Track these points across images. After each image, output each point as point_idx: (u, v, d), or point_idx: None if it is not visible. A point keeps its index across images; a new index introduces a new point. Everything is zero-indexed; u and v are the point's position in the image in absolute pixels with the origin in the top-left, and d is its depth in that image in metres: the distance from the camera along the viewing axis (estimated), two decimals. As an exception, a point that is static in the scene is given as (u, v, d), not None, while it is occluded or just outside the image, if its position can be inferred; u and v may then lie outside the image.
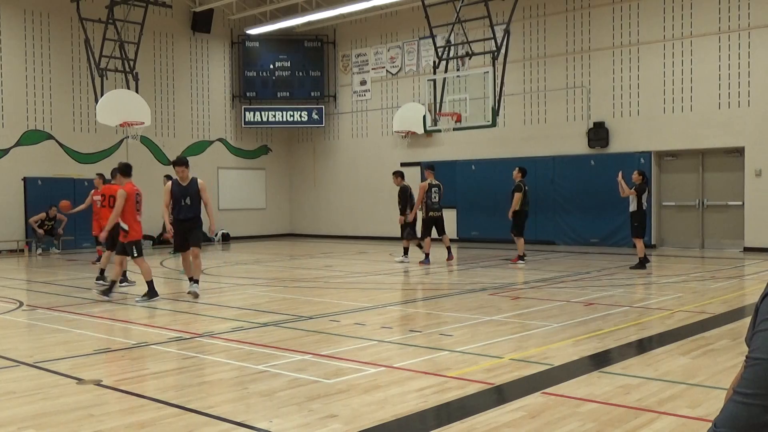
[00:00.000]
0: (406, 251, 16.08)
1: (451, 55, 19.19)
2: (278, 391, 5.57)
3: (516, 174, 15.71)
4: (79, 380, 5.97)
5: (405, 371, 6.14)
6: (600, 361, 6.59)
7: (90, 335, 8.13)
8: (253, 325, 8.50)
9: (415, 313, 9.46)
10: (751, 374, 1.51)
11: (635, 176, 14.19)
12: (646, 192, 14.31)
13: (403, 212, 16.07)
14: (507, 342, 7.41)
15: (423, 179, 16.79)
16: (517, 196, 15.40)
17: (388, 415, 4.93)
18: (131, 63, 19.21)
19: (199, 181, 11.30)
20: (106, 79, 19.07)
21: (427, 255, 15.74)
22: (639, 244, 14.15)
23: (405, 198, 16.08)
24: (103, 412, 5.08)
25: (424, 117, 18.89)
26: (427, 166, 16.91)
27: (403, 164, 23.38)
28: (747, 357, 1.58)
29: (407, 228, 16.01)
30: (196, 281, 11.01)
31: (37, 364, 6.59)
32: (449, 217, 22.29)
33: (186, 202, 11.11)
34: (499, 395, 5.50)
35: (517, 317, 8.93)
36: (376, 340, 7.53)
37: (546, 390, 5.48)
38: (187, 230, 11.18)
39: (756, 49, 17.15)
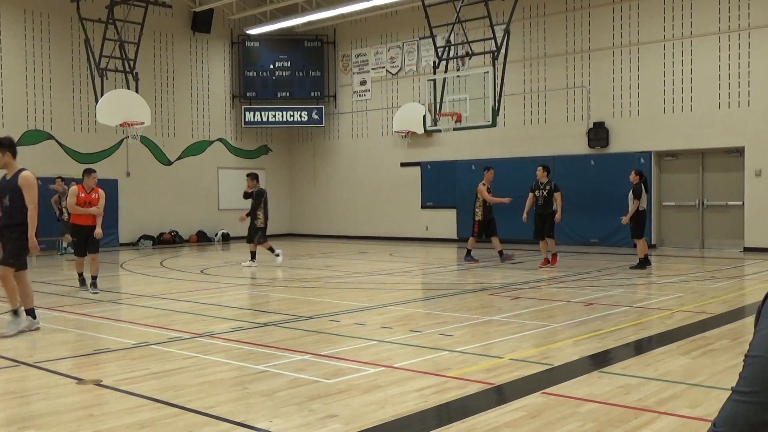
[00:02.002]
0: (253, 255, 15.57)
1: (451, 55, 19.20)
2: (278, 391, 5.57)
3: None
4: (79, 380, 5.97)
5: (405, 371, 6.14)
6: (600, 361, 6.59)
7: (90, 335, 8.13)
8: (253, 325, 8.50)
9: (415, 313, 9.45)
10: (749, 372, 1.51)
11: (632, 176, 14.06)
12: (644, 193, 14.03)
13: (254, 216, 15.58)
14: (507, 342, 7.41)
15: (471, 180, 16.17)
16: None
17: (388, 415, 4.93)
18: (131, 63, 19.23)
19: (22, 174, 8.08)
20: (106, 79, 19.08)
21: (501, 252, 15.72)
22: (639, 244, 14.10)
23: (260, 200, 15.54)
24: (103, 412, 5.08)
25: (424, 117, 18.90)
26: (486, 167, 16.50)
27: (403, 164, 23.43)
28: (746, 355, 1.58)
29: (259, 232, 15.52)
30: (14, 312, 8.16)
31: (37, 364, 6.59)
32: (449, 216, 22.35)
33: (5, 201, 8.16)
34: (499, 395, 5.50)
35: (517, 317, 8.92)
36: (376, 340, 7.53)
37: (546, 390, 5.48)
38: (5, 240, 8.26)
39: (756, 49, 17.15)
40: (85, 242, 11.63)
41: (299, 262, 17.41)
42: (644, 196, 14.01)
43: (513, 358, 6.63)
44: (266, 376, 6.07)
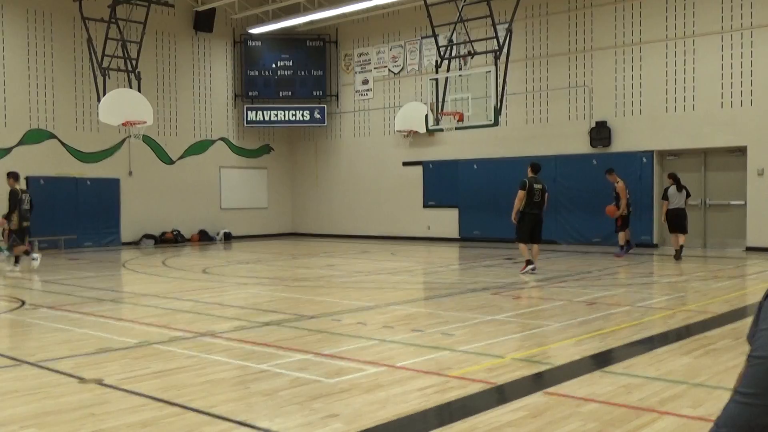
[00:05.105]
0: (16, 260, 14.64)
1: (453, 54, 19.19)
2: (280, 390, 5.56)
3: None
4: (81, 379, 5.97)
5: (407, 371, 6.14)
6: (602, 360, 6.58)
7: (92, 334, 8.13)
8: (254, 325, 8.50)
9: (416, 313, 9.45)
10: (753, 374, 1.51)
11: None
12: (673, 193, 15.68)
13: (8, 217, 14.48)
14: (509, 341, 7.40)
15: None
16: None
17: (390, 414, 4.93)
18: (133, 62, 19.24)
19: None
20: (109, 78, 19.10)
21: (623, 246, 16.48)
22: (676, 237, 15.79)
23: (15, 202, 14.46)
24: (105, 412, 5.08)
25: (426, 116, 18.90)
26: (608, 170, 17.13)
27: (405, 163, 23.42)
28: (749, 356, 1.57)
29: (12, 234, 14.49)
30: None
31: (39, 363, 6.59)
32: (451, 216, 22.34)
33: None
34: (500, 395, 5.50)
35: (518, 317, 8.92)
36: (377, 340, 7.52)
37: (548, 389, 5.48)
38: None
39: (758, 48, 17.12)
40: None
41: (301, 261, 17.42)
42: (676, 196, 15.66)
43: (515, 357, 6.62)
44: (268, 375, 6.07)
